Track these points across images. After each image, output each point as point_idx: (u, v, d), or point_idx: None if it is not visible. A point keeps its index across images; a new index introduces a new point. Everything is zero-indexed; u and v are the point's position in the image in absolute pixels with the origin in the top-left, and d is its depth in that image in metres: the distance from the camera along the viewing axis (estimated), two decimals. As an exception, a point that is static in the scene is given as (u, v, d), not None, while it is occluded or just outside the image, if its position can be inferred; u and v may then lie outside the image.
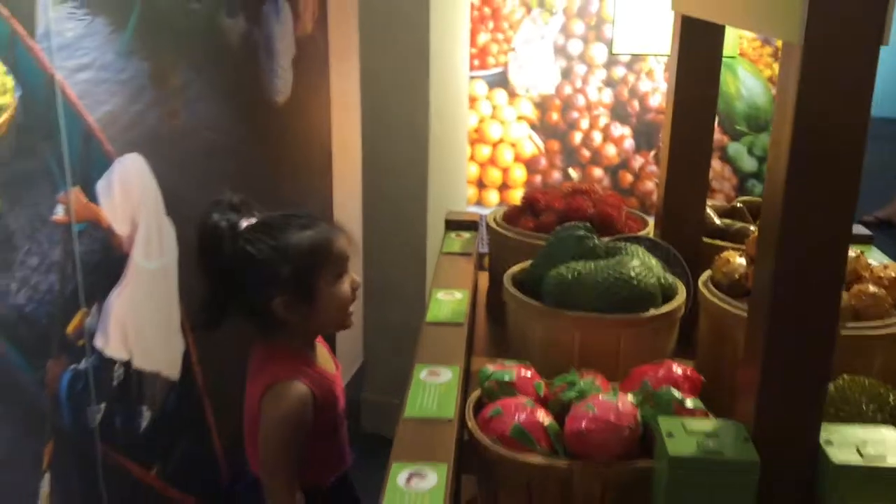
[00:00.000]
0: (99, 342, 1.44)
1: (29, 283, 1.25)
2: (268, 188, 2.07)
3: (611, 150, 2.75)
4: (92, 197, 1.39)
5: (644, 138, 2.71)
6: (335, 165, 2.60)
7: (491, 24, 2.67)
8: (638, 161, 2.75)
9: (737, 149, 2.68)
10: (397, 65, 2.36)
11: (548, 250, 1.44)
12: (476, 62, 2.69)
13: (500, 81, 2.72)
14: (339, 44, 2.48)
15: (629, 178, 2.76)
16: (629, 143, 2.74)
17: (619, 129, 2.74)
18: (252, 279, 1.31)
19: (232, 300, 1.35)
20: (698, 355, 1.42)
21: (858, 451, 0.98)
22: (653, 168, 2.72)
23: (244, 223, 1.33)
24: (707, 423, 1.03)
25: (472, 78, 2.70)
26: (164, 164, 1.59)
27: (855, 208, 0.92)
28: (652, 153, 2.71)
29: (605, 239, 1.50)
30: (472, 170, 2.78)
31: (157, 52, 1.54)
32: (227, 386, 1.83)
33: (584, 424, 1.07)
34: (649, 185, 2.72)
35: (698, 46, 1.49)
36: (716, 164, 2.70)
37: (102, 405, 1.46)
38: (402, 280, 2.59)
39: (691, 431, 1.01)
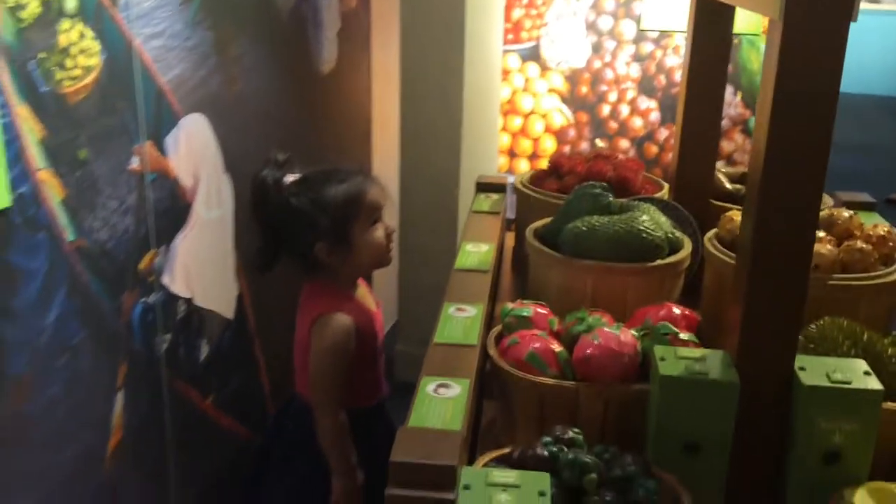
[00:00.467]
0: (166, 280, 1.62)
1: (109, 223, 1.44)
2: (312, 150, 2.24)
3: (637, 123, 2.88)
4: (162, 150, 1.57)
5: (670, 112, 2.84)
6: (374, 132, 2.76)
7: (525, 0, 2.81)
8: (663, 133, 2.87)
9: (757, 123, 2.79)
10: (434, 38, 2.51)
11: (566, 207, 1.59)
12: (510, 36, 2.83)
13: (533, 55, 2.86)
14: (381, 18, 2.64)
15: (654, 149, 2.89)
16: (655, 116, 2.87)
17: (646, 103, 2.86)
18: (296, 228, 1.49)
19: (281, 247, 1.54)
20: (702, 304, 1.56)
21: (828, 376, 1.12)
22: (677, 140, 2.85)
23: (289, 179, 1.51)
24: (696, 352, 1.18)
25: (505, 52, 2.84)
26: (224, 125, 1.76)
27: (826, 166, 1.06)
28: (676, 126, 2.84)
29: (622, 199, 1.65)
30: (504, 140, 2.92)
31: (220, 23, 1.72)
32: (274, 327, 2.03)
33: (589, 351, 1.23)
34: (672, 157, 2.85)
35: (711, 24, 1.63)
36: (738, 136, 2.82)
37: (168, 336, 1.65)
38: (435, 243, 2.75)
39: (682, 357, 1.16)
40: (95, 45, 1.34)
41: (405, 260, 2.77)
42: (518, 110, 2.91)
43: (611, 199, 1.58)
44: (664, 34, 2.76)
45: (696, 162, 1.75)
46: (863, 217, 1.67)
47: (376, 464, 1.58)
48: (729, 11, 1.62)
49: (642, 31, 2.76)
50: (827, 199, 1.82)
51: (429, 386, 1.13)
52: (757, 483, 1.16)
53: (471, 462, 1.12)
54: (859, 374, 1.13)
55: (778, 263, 1.10)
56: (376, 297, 1.66)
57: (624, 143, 2.91)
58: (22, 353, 1.26)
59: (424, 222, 2.75)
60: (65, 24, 1.27)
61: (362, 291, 1.60)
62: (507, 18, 2.83)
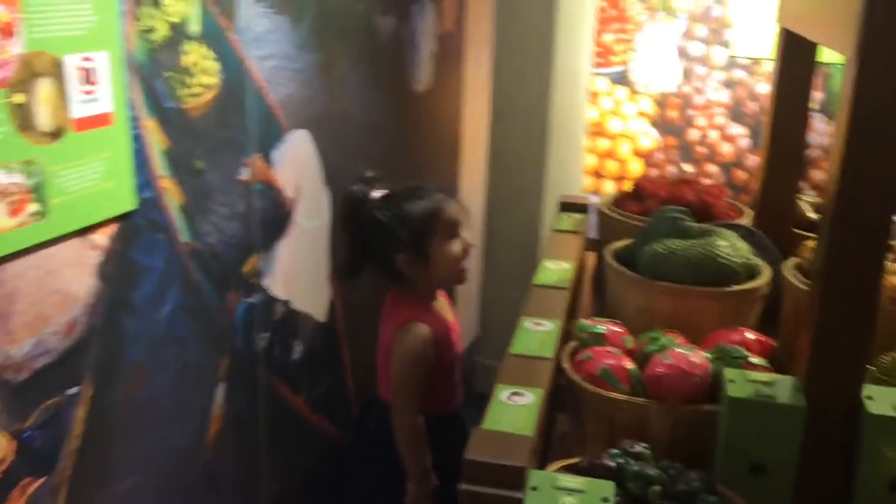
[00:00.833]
0: (266, 282, 1.75)
1: (219, 228, 1.57)
2: (405, 166, 2.35)
3: (726, 148, 2.89)
4: (268, 163, 1.70)
5: (760, 138, 2.83)
6: (463, 150, 2.86)
7: (616, 25, 2.86)
8: (752, 160, 2.87)
9: (849, 152, 2.76)
10: (524, 60, 2.59)
11: (646, 229, 1.65)
12: (600, 60, 2.89)
13: (622, 79, 2.91)
14: (475, 40, 2.73)
15: (742, 175, 2.89)
16: (745, 143, 2.87)
17: (736, 129, 2.87)
18: (380, 240, 1.60)
19: (366, 257, 1.65)
20: (780, 332, 1.59)
21: (894, 407, 1.15)
22: (765, 167, 2.84)
23: (376, 194, 1.62)
24: (766, 376, 1.22)
25: (594, 74, 2.90)
26: (325, 141, 1.89)
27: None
28: (764, 152, 2.83)
29: (702, 224, 1.69)
30: (591, 161, 2.98)
31: (325, 45, 1.84)
32: (360, 332, 2.14)
33: (660, 370, 1.29)
34: (760, 182, 2.85)
35: (796, 53, 1.66)
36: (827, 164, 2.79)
37: (266, 335, 1.77)
38: (517, 260, 2.82)
39: (751, 380, 1.21)
40: (214, 66, 1.48)
41: (488, 276, 2.85)
42: (605, 132, 2.96)
43: (690, 223, 1.62)
44: (755, 61, 2.77)
45: (779, 189, 1.78)
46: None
47: (450, 469, 1.67)
48: (813, 45, 1.65)
49: (733, 57, 2.78)
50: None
51: (503, 393, 1.20)
52: (821, 507, 1.19)
53: (541, 469, 1.19)
54: (929, 406, 1.15)
55: (848, 291, 1.13)
56: (455, 310, 1.74)
57: (712, 168, 2.92)
58: (139, 342, 1.39)
59: (508, 240, 2.82)
60: (188, 46, 1.41)
61: (441, 303, 1.69)
62: (598, 42, 2.89)
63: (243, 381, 1.72)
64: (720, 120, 2.87)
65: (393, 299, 1.68)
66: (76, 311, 1.25)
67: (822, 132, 2.77)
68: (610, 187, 2.98)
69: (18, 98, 1.07)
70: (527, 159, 2.62)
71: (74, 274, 1.24)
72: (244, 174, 1.62)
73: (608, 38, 2.86)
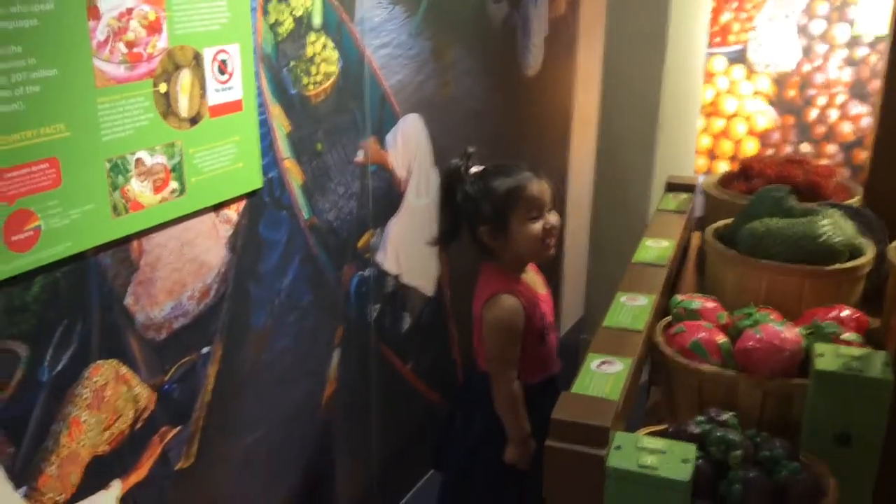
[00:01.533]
0: (379, 257, 1.87)
1: (336, 206, 1.70)
2: (513, 148, 2.42)
3: (846, 128, 2.81)
4: (382, 145, 1.82)
5: (883, 117, 2.74)
6: (573, 133, 2.90)
7: (735, 4, 2.82)
8: (875, 140, 2.78)
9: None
10: (637, 42, 2.60)
11: (748, 208, 1.66)
12: (717, 39, 2.86)
13: (739, 58, 2.87)
14: (588, 23, 2.77)
15: (864, 155, 2.80)
16: (866, 122, 2.78)
17: (857, 108, 2.78)
18: (468, 212, 1.69)
19: (458, 228, 1.73)
20: (884, 311, 1.58)
21: None
22: (889, 147, 2.75)
23: (472, 169, 1.70)
24: (856, 350, 1.24)
25: (711, 54, 2.87)
26: (435, 124, 1.99)
27: None
28: (888, 132, 2.74)
29: (807, 203, 1.69)
30: (705, 141, 2.95)
31: (438, 33, 1.94)
32: (467, 305, 2.23)
33: (750, 344, 1.32)
34: (882, 163, 2.75)
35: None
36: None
37: (378, 306, 1.90)
38: (624, 239, 2.84)
39: (841, 355, 1.23)
40: (335, 55, 1.60)
41: (594, 255, 2.89)
42: (721, 112, 2.92)
43: (793, 202, 1.63)
44: (879, 39, 2.68)
45: (890, 169, 1.74)
46: None
47: (544, 435, 1.74)
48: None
49: (856, 35, 2.69)
50: None
51: (594, 362, 1.27)
52: (911, 482, 1.20)
53: (630, 433, 1.25)
54: None
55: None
56: (546, 283, 1.81)
57: (831, 148, 2.84)
58: (263, 309, 1.54)
59: (615, 220, 2.85)
60: (312, 37, 1.54)
61: (531, 276, 1.76)
62: (714, 21, 2.85)
63: (356, 348, 1.85)
64: (841, 99, 2.79)
65: (484, 272, 1.76)
66: (209, 278, 1.41)
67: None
68: (723, 168, 2.95)
69: (162, 87, 1.22)
70: (637, 141, 2.64)
71: (208, 245, 1.39)
72: (360, 156, 1.74)
73: (726, 16, 2.83)
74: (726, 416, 1.22)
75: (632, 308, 1.46)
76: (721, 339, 1.37)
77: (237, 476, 1.55)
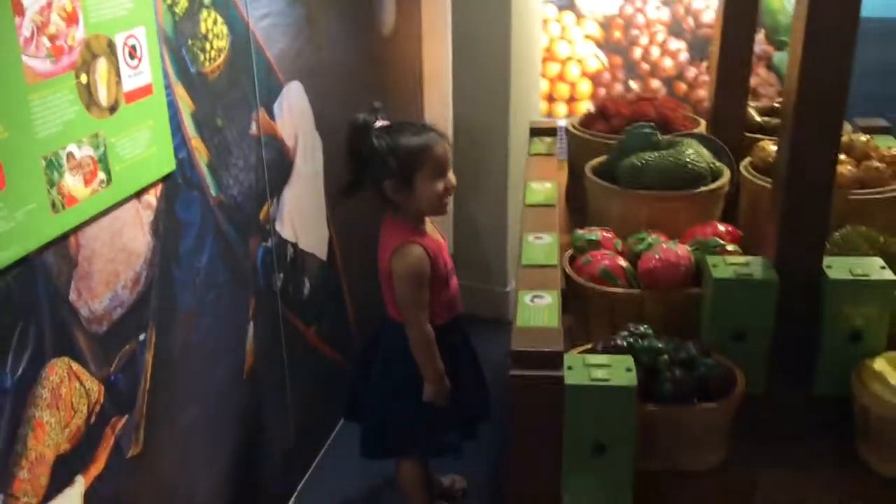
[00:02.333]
0: (278, 226, 1.90)
1: (238, 180, 1.71)
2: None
3: (667, 63, 3.10)
4: (271, 116, 1.83)
5: (697, 51, 3.05)
6: (426, 86, 3.00)
7: (559, -46, 3.01)
8: (692, 72, 3.09)
9: (781, 58, 3.00)
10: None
11: (620, 145, 1.84)
12: (546, -11, 3.04)
13: (568, 4, 3.07)
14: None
15: (684, 87, 3.11)
16: (684, 56, 3.08)
17: (675, 44, 3.07)
18: (373, 164, 1.76)
19: (362, 180, 1.80)
20: (740, 221, 1.82)
21: (850, 271, 1.38)
22: (705, 78, 3.07)
23: (378, 123, 1.77)
24: (742, 259, 1.45)
25: (543, 2, 3.05)
26: (314, 89, 2.02)
27: (845, 100, 1.30)
28: (704, 64, 3.05)
29: (666, 136, 1.90)
30: (543, 85, 3.15)
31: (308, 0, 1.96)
32: (356, 266, 2.31)
33: (652, 264, 1.50)
34: (701, 92, 3.07)
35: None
36: (762, 71, 3.03)
37: (281, 275, 1.93)
38: (486, 183, 3.00)
39: (730, 263, 1.43)
40: (224, 29, 1.60)
41: (458, 202, 3.03)
42: (556, 57, 3.13)
43: (659, 136, 1.83)
44: (691, -21, 2.96)
45: (730, 99, 1.99)
46: (878, 140, 1.91)
47: (458, 367, 1.87)
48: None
49: (670, -23, 2.96)
50: (847, 126, 2.05)
51: (525, 297, 1.39)
52: (793, 362, 1.44)
53: (562, 356, 1.39)
54: (876, 269, 1.39)
55: (807, 182, 1.35)
56: (442, 232, 1.93)
57: (655, 83, 3.13)
58: (186, 290, 1.55)
59: (475, 167, 2.99)
60: (203, 13, 1.53)
61: (430, 228, 1.87)
62: (543, -29, 3.03)
63: (267, 318, 1.89)
64: (661, 37, 3.07)
65: (387, 225, 1.84)
66: (139, 265, 1.40)
67: (755, 40, 2.99)
68: (563, 110, 3.17)
69: (84, 78, 1.20)
70: (491, 89, 2.78)
71: (134, 232, 1.38)
72: (253, 128, 1.76)
73: (552, -34, 3.01)
74: (643, 328, 1.39)
75: (541, 246, 1.60)
76: (624, 263, 1.54)
77: (182, 455, 1.57)
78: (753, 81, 3.02)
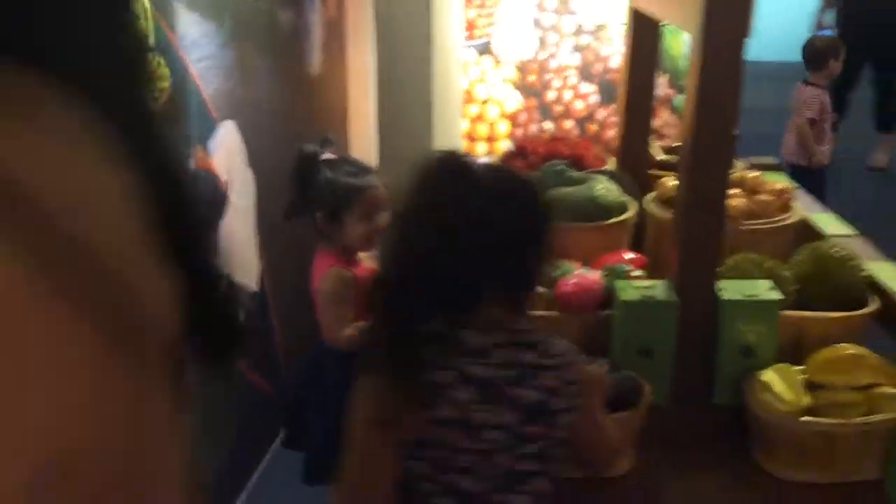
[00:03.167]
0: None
1: (176, 214, 1.78)
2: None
3: (579, 105, 3.30)
4: (207, 152, 1.92)
5: (606, 94, 3.26)
6: (350, 124, 3.12)
7: (478, 1, 3.19)
8: (602, 113, 3.30)
9: (681, 100, 3.24)
10: (404, 39, 2.87)
11: (538, 181, 1.99)
12: (466, 33, 3.21)
13: (486, 49, 3.25)
14: (356, 24, 2.98)
15: (595, 128, 3.32)
16: (594, 99, 3.29)
17: (586, 87, 3.28)
18: (310, 195, 1.86)
19: (301, 204, 1.89)
20: (646, 249, 1.98)
21: (741, 292, 1.55)
22: (614, 119, 3.28)
23: (323, 156, 1.88)
24: (647, 282, 1.60)
25: (463, 46, 3.22)
26: (246, 127, 2.11)
27: (732, 147, 1.47)
28: (613, 106, 3.27)
29: (579, 173, 2.06)
30: (464, 125, 3.31)
31: (241, 42, 2.06)
32: (287, 298, 2.39)
33: (567, 288, 1.64)
34: (610, 133, 3.28)
35: (644, 28, 2.04)
36: (665, 113, 3.26)
37: (217, 305, 2.00)
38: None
39: (636, 287, 1.58)
40: (167, 72, 1.68)
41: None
42: (475, 98, 3.30)
43: (571, 173, 1.98)
44: (599, 27, 3.18)
45: (635, 139, 2.17)
46: (768, 176, 2.11)
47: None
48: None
49: (580, 25, 3.18)
50: (740, 164, 2.26)
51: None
52: (694, 375, 1.59)
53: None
54: (764, 290, 1.56)
55: (703, 213, 1.52)
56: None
57: (568, 124, 3.33)
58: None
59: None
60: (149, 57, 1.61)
61: (366, 257, 1.97)
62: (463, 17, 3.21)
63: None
64: (573, 81, 3.27)
65: (319, 254, 1.93)
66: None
67: (657, 84, 3.22)
68: (482, 148, 3.33)
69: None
70: (414, 128, 2.92)
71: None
72: (192, 164, 1.83)
73: (472, 13, 3.19)
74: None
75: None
76: (541, 289, 1.67)
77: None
78: (657, 122, 3.25)
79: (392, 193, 1.92)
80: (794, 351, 1.58)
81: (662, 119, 3.25)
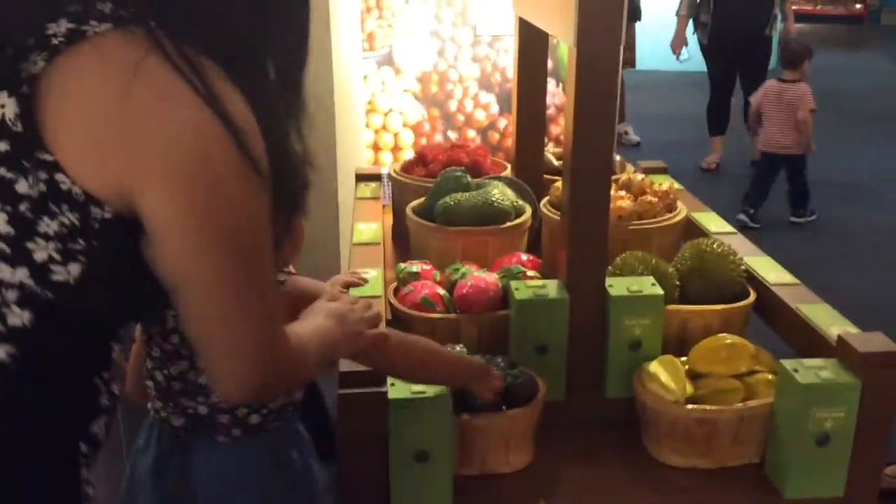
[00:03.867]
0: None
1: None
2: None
3: (480, 115, 3.37)
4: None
5: (506, 104, 3.34)
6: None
7: (377, 13, 3.23)
8: (502, 123, 3.38)
9: (578, 109, 3.35)
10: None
11: (436, 188, 2.05)
12: (366, 45, 3.25)
13: (387, 60, 3.29)
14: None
15: (496, 136, 3.40)
16: (494, 108, 3.37)
17: (486, 97, 3.36)
18: None
19: None
20: (543, 252, 2.06)
21: (627, 288, 1.63)
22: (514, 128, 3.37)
23: None
24: (539, 282, 1.67)
25: (363, 59, 3.25)
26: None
27: (611, 149, 1.55)
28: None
29: (477, 179, 2.12)
30: (369, 136, 3.34)
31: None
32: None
33: (465, 291, 1.69)
34: (510, 141, 3.37)
35: (532, 37, 2.12)
36: (563, 121, 3.37)
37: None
38: (320, 230, 3.14)
39: (530, 287, 1.65)
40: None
41: (292, 247, 3.15)
42: (378, 109, 3.33)
43: (469, 179, 2.05)
44: (496, 38, 3.26)
45: (529, 146, 2.25)
46: (656, 178, 2.22)
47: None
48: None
49: (477, 36, 3.26)
50: (629, 167, 2.36)
51: (354, 324, 1.54)
52: (587, 369, 1.66)
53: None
54: (649, 286, 1.65)
55: (587, 215, 1.59)
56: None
57: (471, 133, 3.39)
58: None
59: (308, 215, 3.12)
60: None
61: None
62: (362, 29, 3.24)
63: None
64: (473, 91, 3.34)
65: None
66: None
67: (554, 94, 3.33)
68: (388, 157, 3.37)
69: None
70: (318, 139, 2.93)
71: None
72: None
73: (371, 25, 3.23)
74: (460, 347, 1.57)
75: (368, 280, 1.76)
76: (442, 291, 1.73)
77: None
78: (556, 130, 3.36)
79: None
80: (678, 343, 1.68)
81: (561, 127, 3.36)
